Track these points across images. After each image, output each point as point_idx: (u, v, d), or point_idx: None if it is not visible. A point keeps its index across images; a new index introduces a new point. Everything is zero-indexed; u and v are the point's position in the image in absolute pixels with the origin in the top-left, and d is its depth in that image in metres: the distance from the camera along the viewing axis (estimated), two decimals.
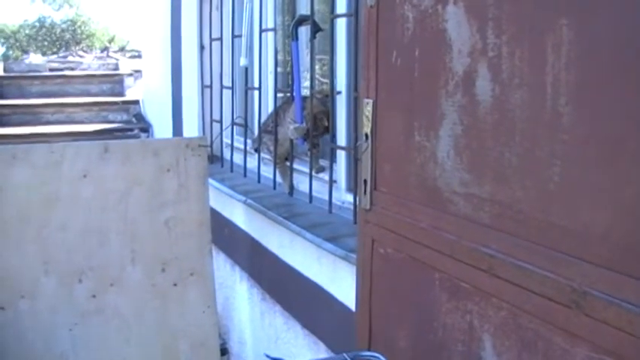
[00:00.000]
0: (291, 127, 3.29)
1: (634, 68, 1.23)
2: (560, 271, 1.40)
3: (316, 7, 3.12)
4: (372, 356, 1.72)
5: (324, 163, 3.22)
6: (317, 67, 3.19)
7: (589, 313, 1.33)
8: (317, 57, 3.17)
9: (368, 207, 2.09)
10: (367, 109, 2.07)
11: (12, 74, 8.45)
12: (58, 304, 3.26)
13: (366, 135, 2.08)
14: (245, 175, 3.91)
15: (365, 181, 2.10)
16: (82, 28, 16.99)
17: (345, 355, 1.73)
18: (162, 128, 6.35)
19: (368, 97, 2.08)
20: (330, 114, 3.01)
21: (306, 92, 3.25)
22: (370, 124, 2.06)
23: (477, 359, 1.67)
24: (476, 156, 1.64)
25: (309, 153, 3.22)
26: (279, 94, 3.61)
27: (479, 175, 1.63)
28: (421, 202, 1.85)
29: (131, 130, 7.54)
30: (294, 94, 3.26)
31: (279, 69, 3.65)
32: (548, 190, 1.43)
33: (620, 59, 1.26)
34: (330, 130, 3.02)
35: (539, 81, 1.44)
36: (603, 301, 1.30)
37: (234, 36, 4.12)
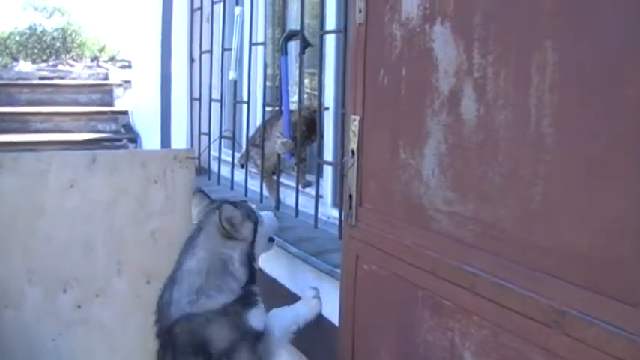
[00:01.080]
0: (278, 142, 3.30)
1: (616, 89, 1.25)
2: (540, 291, 1.42)
3: (306, 22, 3.13)
4: None
5: (310, 178, 3.22)
6: (306, 81, 3.21)
7: (569, 332, 1.35)
8: (306, 71, 3.19)
9: (353, 223, 2.10)
10: (354, 125, 2.09)
11: (1, 81, 8.43)
12: (42, 314, 3.25)
13: (353, 151, 2.09)
14: (232, 189, 3.92)
15: (350, 196, 2.11)
16: (73, 36, 16.96)
17: None
18: (150, 139, 6.35)
19: (355, 114, 2.09)
20: (317, 128, 3.03)
21: (294, 107, 3.26)
22: (357, 141, 2.07)
23: None
24: (460, 175, 1.66)
25: (295, 168, 3.23)
26: (268, 108, 3.62)
27: (462, 193, 1.65)
28: (405, 219, 1.86)
29: (119, 140, 7.52)
30: (282, 108, 3.27)
31: (268, 83, 3.67)
32: (530, 210, 1.44)
33: (603, 80, 1.28)
34: (318, 145, 3.03)
35: (523, 102, 1.46)
36: (582, 320, 1.31)
37: (224, 49, 4.13)
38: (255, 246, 2.58)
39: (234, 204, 2.58)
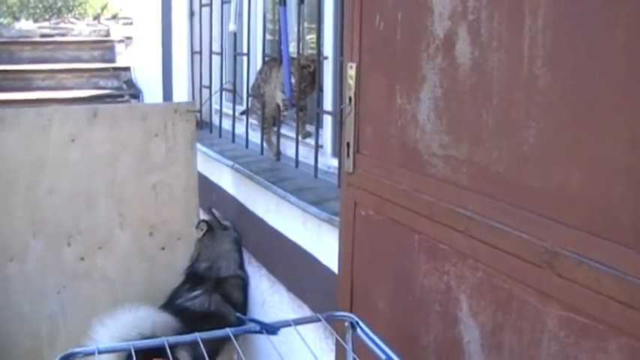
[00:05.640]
0: (279, 95, 3.30)
1: (609, 29, 1.24)
2: (533, 232, 1.42)
3: None
4: (344, 316, 1.74)
5: (310, 128, 3.23)
6: (307, 36, 3.20)
7: (560, 272, 1.36)
8: (307, 26, 3.17)
9: (351, 170, 2.11)
10: (351, 72, 2.08)
11: (2, 40, 8.39)
12: (46, 266, 3.29)
13: (350, 98, 2.09)
14: (233, 141, 3.92)
15: (348, 144, 2.11)
16: None
17: (319, 315, 1.75)
18: (152, 94, 6.34)
19: (352, 61, 2.08)
20: (316, 76, 3.02)
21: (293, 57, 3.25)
22: (354, 88, 2.07)
23: (454, 319, 1.70)
24: (455, 118, 1.66)
25: (295, 118, 3.23)
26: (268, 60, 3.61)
27: (457, 137, 1.65)
28: (401, 164, 1.86)
29: (122, 96, 7.51)
30: (282, 60, 3.26)
31: (268, 36, 3.65)
32: (523, 152, 1.44)
33: (595, 21, 1.28)
34: (317, 95, 3.02)
35: (516, 43, 1.45)
36: (573, 260, 1.32)
37: (223, 1, 4.10)
38: None
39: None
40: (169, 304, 3.27)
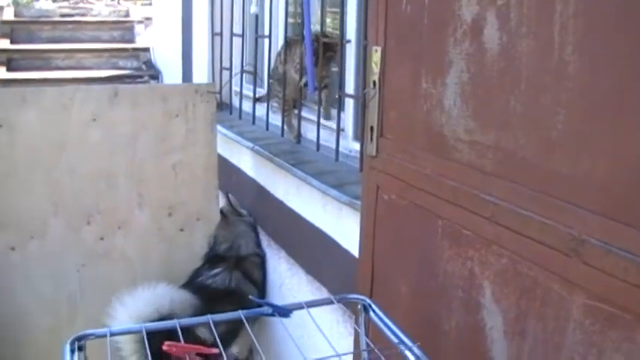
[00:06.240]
0: (294, 76, 3.32)
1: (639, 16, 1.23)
2: (560, 219, 1.41)
3: None
4: (357, 299, 1.74)
5: (332, 111, 3.22)
6: (328, 20, 3.18)
7: (587, 261, 1.35)
8: (329, 10, 3.16)
9: (374, 154, 2.10)
10: (376, 56, 2.07)
11: (22, 19, 8.41)
12: (66, 245, 3.31)
13: (374, 82, 2.08)
14: (253, 123, 3.92)
15: (372, 128, 2.11)
16: None
17: (331, 297, 1.75)
18: (172, 75, 6.34)
19: (377, 45, 2.07)
20: (340, 58, 3.01)
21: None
22: (378, 72, 2.06)
23: (477, 305, 1.70)
24: (481, 104, 1.65)
25: (317, 100, 3.22)
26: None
27: (484, 122, 1.64)
28: (426, 148, 1.86)
29: (141, 77, 7.53)
30: (305, 43, 3.23)
31: (290, 19, 3.63)
32: (550, 138, 1.43)
33: (627, 6, 1.26)
34: (340, 77, 3.01)
35: (546, 29, 1.44)
36: (601, 249, 1.31)
37: None
38: None
39: None
40: (190, 283, 3.29)
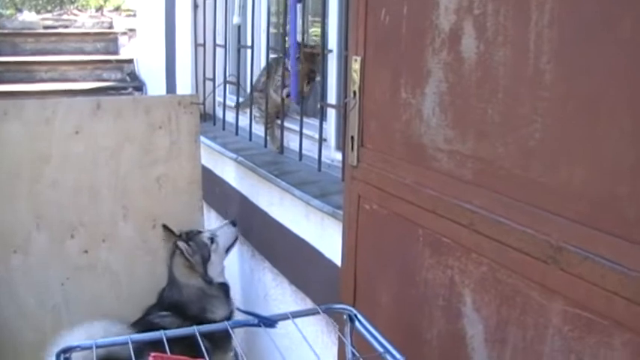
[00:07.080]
0: (273, 96, 3.34)
1: (615, 24, 1.24)
2: (538, 227, 1.42)
3: None
4: (343, 309, 1.74)
5: (314, 122, 3.22)
6: (311, 30, 3.19)
7: (564, 268, 1.36)
8: (311, 20, 3.17)
9: (355, 164, 2.11)
10: (355, 65, 2.08)
11: (5, 31, 8.38)
12: (50, 259, 3.29)
13: (354, 92, 2.09)
14: (237, 134, 3.92)
15: (352, 137, 2.11)
16: None
17: (317, 307, 1.75)
18: (156, 87, 6.34)
19: (356, 55, 2.08)
20: (321, 68, 3.02)
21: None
22: (358, 81, 2.07)
23: (458, 314, 1.70)
24: (460, 113, 1.66)
25: (299, 111, 3.23)
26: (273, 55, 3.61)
27: (462, 131, 1.65)
28: (406, 158, 1.87)
29: (125, 88, 7.51)
30: (289, 52, 3.23)
31: (272, 29, 3.64)
32: (528, 147, 1.44)
33: (601, 16, 1.27)
34: (322, 87, 3.02)
35: (522, 38, 1.45)
36: (578, 256, 1.32)
37: None
38: (210, 268, 3.13)
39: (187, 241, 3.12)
40: (141, 320, 3.10)
